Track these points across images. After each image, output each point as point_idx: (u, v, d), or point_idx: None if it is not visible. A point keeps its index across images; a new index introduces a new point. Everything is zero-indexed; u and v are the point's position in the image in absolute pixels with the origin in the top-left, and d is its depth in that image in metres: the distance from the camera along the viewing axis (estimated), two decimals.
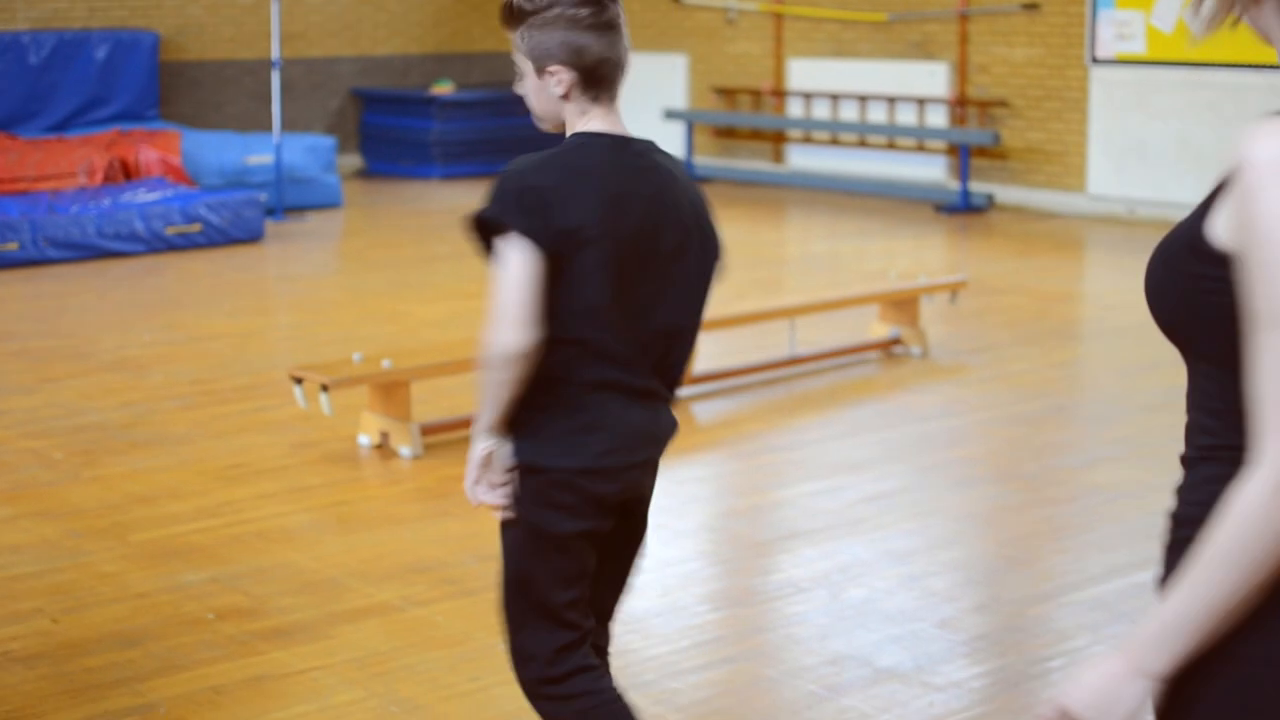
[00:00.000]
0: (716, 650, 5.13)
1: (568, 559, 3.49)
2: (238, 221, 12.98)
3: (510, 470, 3.49)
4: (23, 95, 15.15)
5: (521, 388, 3.41)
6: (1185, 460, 2.20)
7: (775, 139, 17.06)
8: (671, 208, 3.49)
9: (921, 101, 15.65)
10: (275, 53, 14.49)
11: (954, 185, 15.33)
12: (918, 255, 12.67)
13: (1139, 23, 14.01)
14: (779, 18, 16.88)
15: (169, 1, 16.48)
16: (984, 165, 15.33)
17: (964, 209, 14.71)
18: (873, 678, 4.92)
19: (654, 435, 3.53)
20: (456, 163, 17.07)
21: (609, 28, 3.46)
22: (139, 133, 14.75)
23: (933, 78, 15.64)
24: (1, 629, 5.29)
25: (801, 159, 16.88)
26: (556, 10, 3.41)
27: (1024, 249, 12.78)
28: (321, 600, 5.54)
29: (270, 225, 13.74)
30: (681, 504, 6.59)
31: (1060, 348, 9.36)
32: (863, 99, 16.12)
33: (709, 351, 8.69)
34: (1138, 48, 14.07)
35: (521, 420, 3.46)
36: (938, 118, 15.65)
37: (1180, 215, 2.29)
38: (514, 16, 3.45)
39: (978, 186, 15.16)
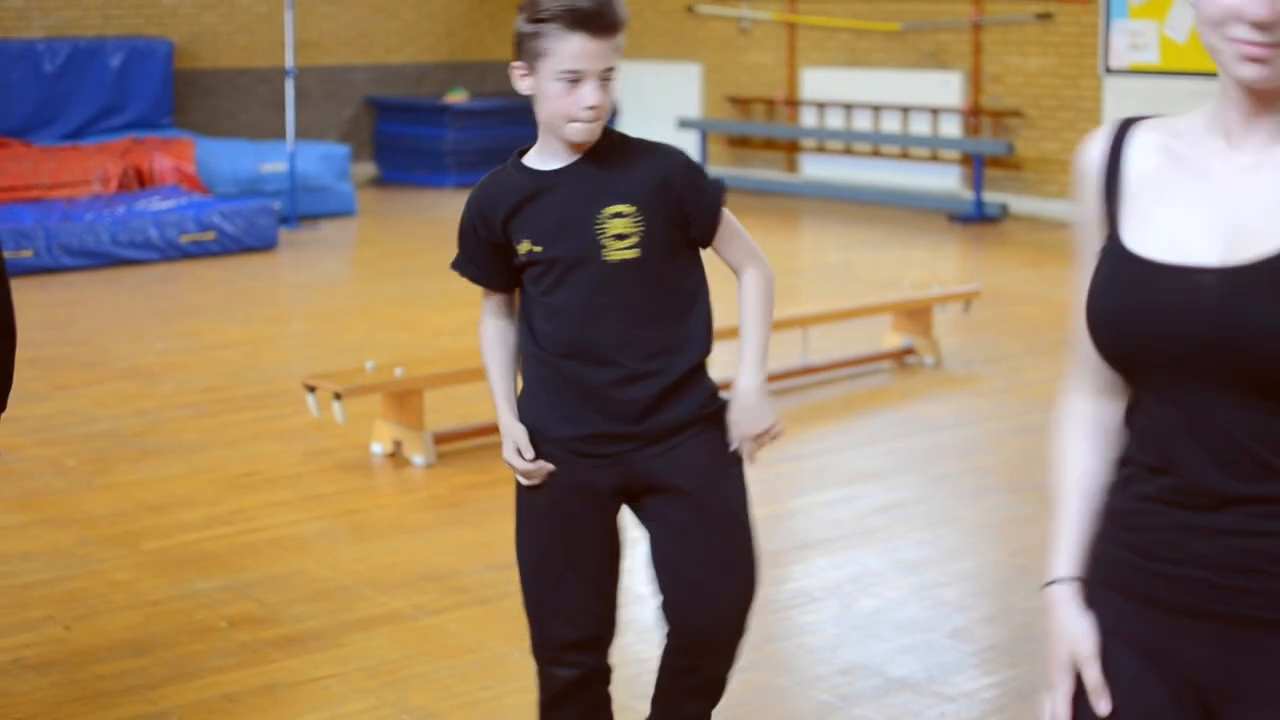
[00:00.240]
0: None
1: None
2: (251, 230, 12.99)
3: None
4: (37, 103, 15.19)
5: None
6: (1248, 497, 2.19)
7: (789, 148, 17.06)
8: None
9: (935, 111, 15.64)
10: (289, 61, 14.51)
11: (968, 195, 15.32)
12: (931, 265, 12.66)
13: (1152, 33, 14.00)
14: (792, 27, 16.88)
15: (183, 10, 16.51)
16: (998, 175, 15.32)
17: (978, 219, 14.69)
18: (885, 688, 4.91)
19: None
20: (470, 171, 17.05)
21: None
22: (153, 141, 14.76)
23: (946, 87, 15.63)
24: (14, 636, 5.30)
25: (815, 168, 16.87)
26: None
27: (1038, 259, 12.77)
28: (334, 608, 5.54)
29: (284, 233, 13.75)
30: None
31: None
32: (876, 108, 16.11)
33: (722, 360, 8.66)
34: (1151, 58, 14.05)
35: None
36: (951, 127, 15.64)
37: None
38: (620, 24, 3.51)
39: (991, 196, 15.15)
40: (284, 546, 6.18)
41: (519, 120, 17.07)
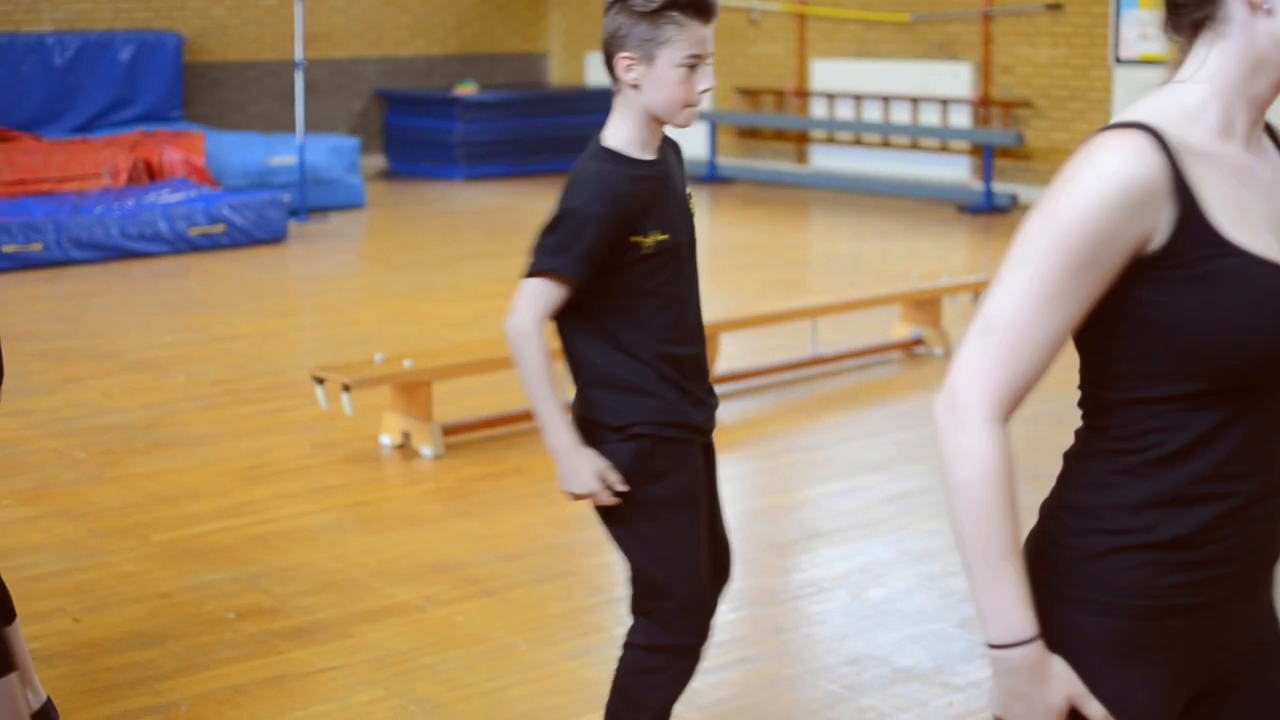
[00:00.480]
0: (737, 650, 5.12)
1: None
2: (261, 222, 13.00)
3: None
4: (47, 96, 15.21)
5: None
6: None
7: (798, 139, 17.05)
8: None
9: (945, 102, 15.63)
10: (299, 54, 14.51)
11: (977, 185, 15.30)
12: (940, 255, 12.65)
13: None
14: (802, 18, 16.87)
15: (193, 3, 16.52)
16: (1007, 166, 15.30)
17: (987, 209, 14.68)
18: (892, 677, 4.91)
19: None
20: (480, 163, 17.08)
21: None
22: (163, 134, 14.78)
23: (956, 78, 15.61)
24: (23, 628, 5.27)
25: (825, 159, 16.85)
26: None
27: None
28: (342, 600, 5.54)
29: (293, 226, 13.75)
30: None
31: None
32: (886, 99, 16.09)
33: (730, 352, 8.68)
34: (1161, 48, 14.02)
35: None
36: (961, 118, 15.62)
37: None
38: (714, 9, 3.61)
39: (1001, 187, 15.13)
40: (292, 538, 6.19)
41: (528, 112, 17.09)
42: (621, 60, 3.56)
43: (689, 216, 3.75)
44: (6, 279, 11.51)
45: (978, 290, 9.54)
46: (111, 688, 4.84)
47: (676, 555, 3.72)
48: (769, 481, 7.10)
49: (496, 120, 17.12)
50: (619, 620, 5.11)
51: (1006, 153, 15.25)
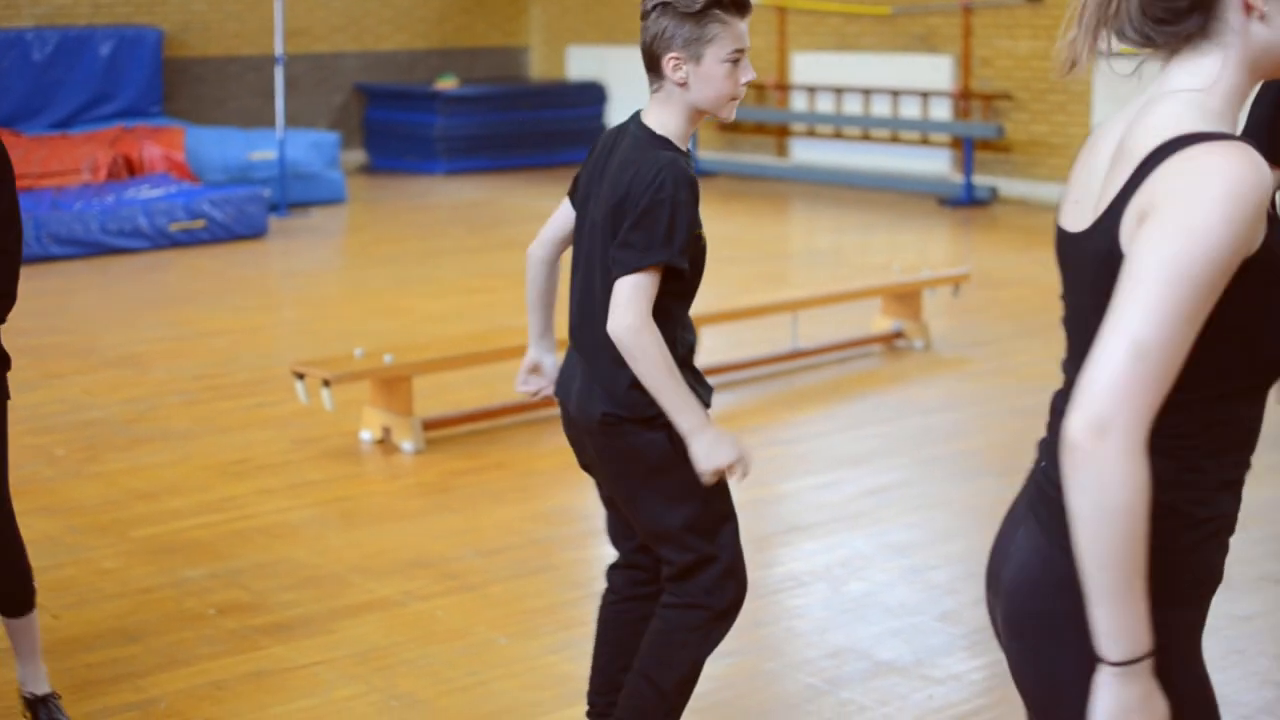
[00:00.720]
0: None
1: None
2: (241, 217, 12.98)
3: None
4: (27, 92, 15.18)
5: None
6: None
7: (779, 133, 17.05)
8: (597, 177, 3.80)
9: (925, 95, 15.64)
10: (279, 48, 14.48)
11: (957, 178, 15.32)
12: (921, 248, 12.67)
13: None
14: (782, 11, 16.87)
15: None
16: (988, 158, 15.32)
17: (967, 202, 14.70)
18: (873, 671, 4.92)
19: (564, 382, 3.93)
20: (460, 158, 17.06)
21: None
22: (143, 129, 14.75)
23: (936, 71, 15.62)
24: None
25: (805, 152, 16.86)
26: None
27: (1027, 242, 12.77)
28: (323, 595, 5.54)
29: (274, 221, 13.74)
30: None
31: (1063, 340, 9.31)
32: (866, 92, 16.10)
33: (711, 345, 8.69)
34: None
35: None
36: (941, 111, 15.63)
37: None
38: (751, 3, 3.73)
39: (981, 179, 15.15)
40: (273, 534, 6.19)
41: (509, 107, 17.07)
42: (669, 61, 3.64)
43: None
44: None
45: (958, 283, 9.56)
46: (92, 684, 4.84)
47: (718, 524, 3.87)
48: (750, 475, 7.09)
49: (477, 115, 17.11)
50: None
51: (987, 145, 15.27)
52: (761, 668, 4.98)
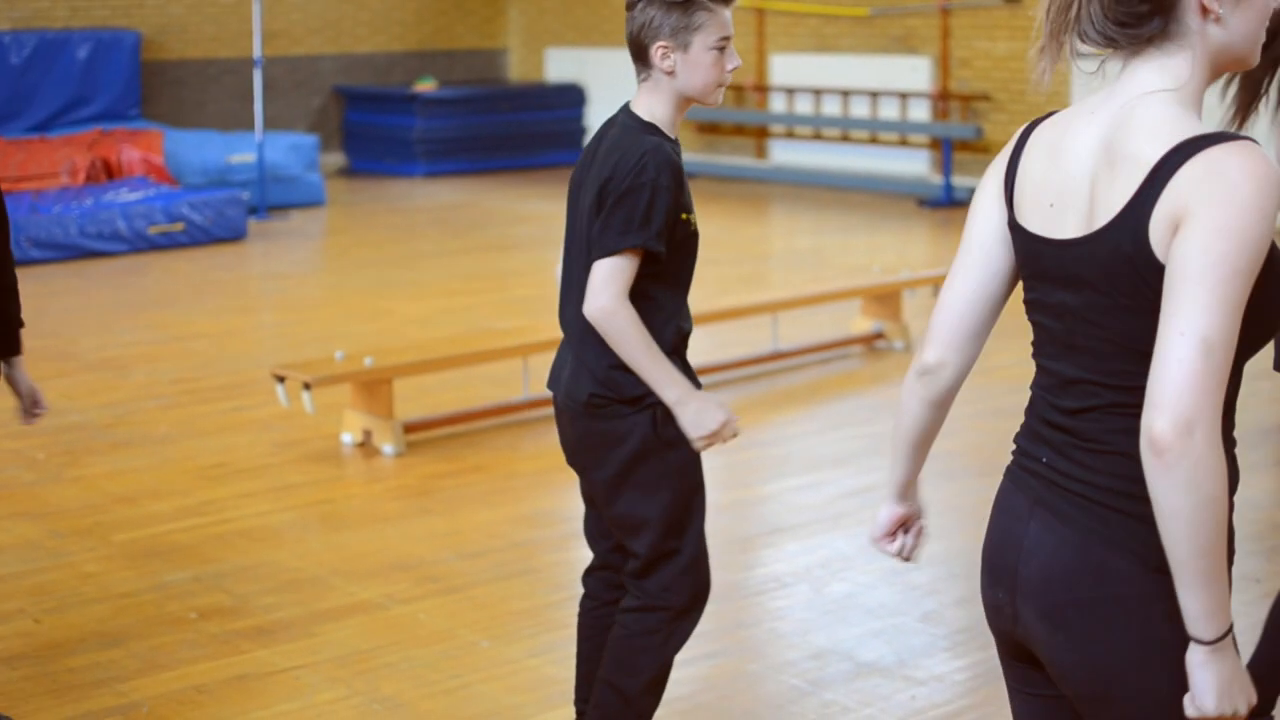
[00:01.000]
0: (699, 645, 5.11)
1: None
2: (220, 220, 12.96)
3: None
4: (4, 95, 15.12)
5: None
6: None
7: (758, 134, 17.06)
8: (587, 164, 3.83)
9: (904, 96, 15.66)
10: (257, 51, 14.46)
11: (937, 179, 15.35)
12: (901, 249, 12.68)
13: None
14: (761, 13, 16.88)
15: (150, 1, 16.45)
16: (967, 159, 15.34)
17: (947, 203, 14.72)
18: (855, 672, 4.92)
19: (555, 373, 3.95)
20: (439, 160, 17.05)
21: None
22: (121, 132, 14.72)
23: (915, 72, 15.64)
24: None
25: (784, 154, 16.88)
26: None
27: None
28: (304, 599, 5.53)
29: (253, 224, 13.72)
30: None
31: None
32: (845, 94, 16.12)
33: (692, 347, 8.64)
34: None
35: None
36: (920, 112, 15.66)
37: None
38: None
39: (960, 180, 15.17)
40: (254, 537, 6.18)
41: (488, 109, 17.06)
42: (657, 49, 3.70)
43: None
44: None
45: (937, 284, 9.56)
46: (73, 688, 4.83)
47: (687, 517, 3.87)
48: (730, 476, 7.10)
49: (456, 117, 17.10)
50: None
51: (965, 146, 15.29)
52: (744, 669, 4.98)
